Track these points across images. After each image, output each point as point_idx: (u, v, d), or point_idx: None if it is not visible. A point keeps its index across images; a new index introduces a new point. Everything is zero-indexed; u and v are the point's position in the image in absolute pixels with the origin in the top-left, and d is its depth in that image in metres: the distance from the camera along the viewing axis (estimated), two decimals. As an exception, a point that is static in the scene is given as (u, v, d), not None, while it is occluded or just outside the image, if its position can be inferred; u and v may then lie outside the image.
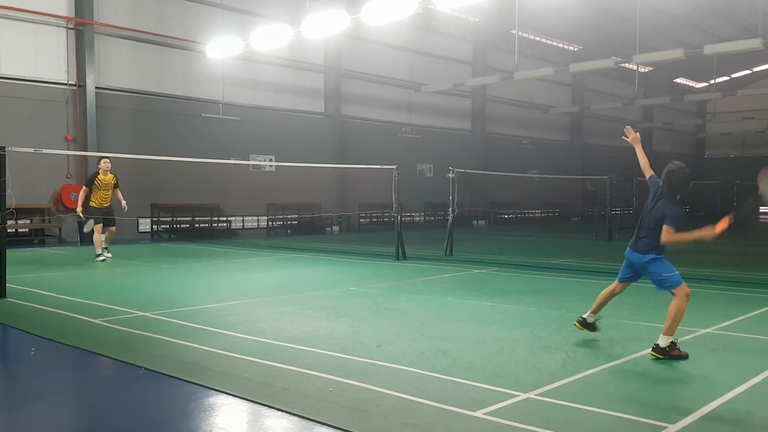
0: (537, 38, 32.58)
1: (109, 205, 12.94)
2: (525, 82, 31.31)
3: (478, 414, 3.93)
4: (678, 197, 5.29)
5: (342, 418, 3.89)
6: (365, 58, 25.58)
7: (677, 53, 20.41)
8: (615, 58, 21.81)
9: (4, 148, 8.27)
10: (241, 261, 13.33)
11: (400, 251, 13.46)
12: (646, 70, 38.65)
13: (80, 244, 16.67)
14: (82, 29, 17.94)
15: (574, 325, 6.02)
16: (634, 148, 5.97)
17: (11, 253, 10.07)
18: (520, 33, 25.04)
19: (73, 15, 17.90)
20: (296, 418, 3.92)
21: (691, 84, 44.40)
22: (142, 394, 4.51)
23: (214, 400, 4.30)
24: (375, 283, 9.77)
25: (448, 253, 14.16)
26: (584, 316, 5.98)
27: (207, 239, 19.55)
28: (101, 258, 12.61)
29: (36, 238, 17.51)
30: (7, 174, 8.23)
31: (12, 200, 8.39)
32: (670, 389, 4.61)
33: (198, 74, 20.64)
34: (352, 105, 25.36)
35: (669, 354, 5.17)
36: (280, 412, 4.02)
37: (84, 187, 12.76)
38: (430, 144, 28.37)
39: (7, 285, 8.30)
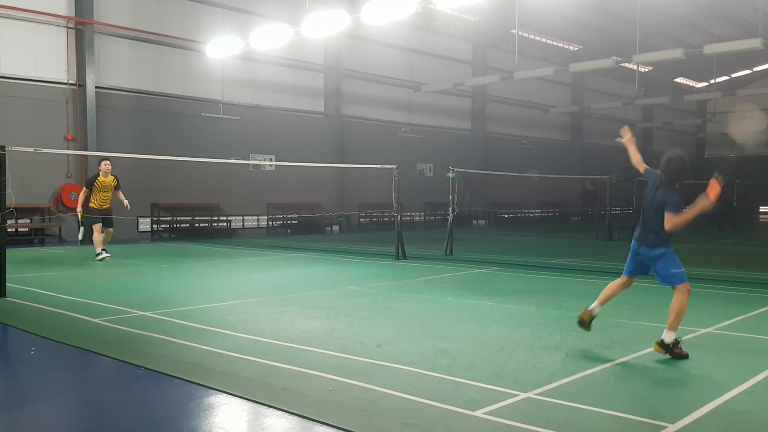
0: (537, 38, 32.57)
1: (109, 207, 12.96)
2: (525, 82, 31.30)
3: (478, 413, 3.93)
4: (677, 185, 5.34)
5: (342, 417, 3.89)
6: (365, 58, 25.58)
7: (677, 53, 20.40)
8: (615, 57, 21.81)
9: (4, 147, 8.27)
10: (241, 260, 13.33)
11: (400, 251, 13.46)
12: (646, 70, 38.64)
13: (80, 244, 16.66)
14: (82, 29, 17.93)
15: (580, 319, 5.72)
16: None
17: (11, 253, 10.07)
18: (520, 33, 25.02)
19: (73, 14, 17.90)
20: (296, 418, 3.92)
21: (691, 84, 44.39)
22: (142, 394, 4.51)
23: (214, 399, 4.30)
24: (375, 283, 9.77)
25: (448, 252, 14.16)
26: (591, 309, 5.70)
27: (207, 239, 19.55)
28: (101, 257, 12.61)
29: (36, 237, 17.51)
30: (7, 173, 8.23)
31: (12, 200, 8.40)
32: (670, 389, 4.61)
33: (198, 74, 20.64)
34: (352, 104, 25.36)
35: (672, 351, 5.18)
36: (280, 412, 4.02)
37: (84, 188, 12.78)
38: (430, 144, 28.37)
39: (7, 284, 8.30)
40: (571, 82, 35.88)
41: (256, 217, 22.32)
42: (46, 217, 17.59)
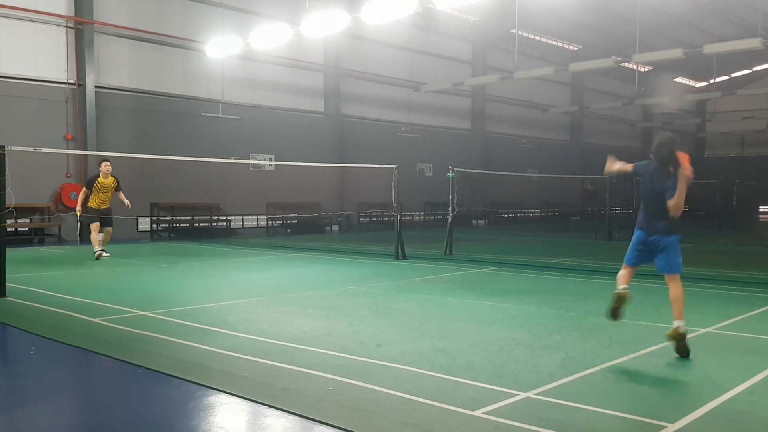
0: (537, 38, 32.57)
1: (108, 207, 12.99)
2: (525, 82, 31.29)
3: (478, 413, 3.93)
4: (671, 168, 5.32)
5: (342, 417, 3.89)
6: (365, 58, 25.57)
7: (677, 53, 20.42)
8: (615, 57, 21.82)
9: (4, 147, 8.27)
10: (241, 260, 13.33)
11: (399, 250, 13.45)
12: (646, 70, 38.64)
13: (80, 243, 16.68)
14: (82, 28, 17.93)
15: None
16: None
17: (11, 252, 10.06)
18: (519, 32, 25.00)
19: (72, 14, 17.90)
20: (296, 418, 3.92)
21: (691, 83, 44.39)
22: (141, 394, 4.50)
23: (213, 399, 4.30)
24: (374, 283, 9.77)
25: (447, 252, 14.16)
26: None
27: (206, 238, 19.55)
28: (98, 253, 12.60)
29: (36, 237, 17.51)
30: (6, 173, 8.23)
31: (12, 199, 8.39)
32: (670, 389, 4.61)
33: (198, 73, 20.64)
34: (351, 104, 25.35)
35: (684, 339, 5.22)
36: (279, 412, 4.02)
37: (84, 189, 12.79)
38: (430, 143, 28.37)
39: (7, 284, 8.30)
40: (571, 81, 35.88)
41: (255, 217, 22.32)
42: (46, 216, 17.59)
